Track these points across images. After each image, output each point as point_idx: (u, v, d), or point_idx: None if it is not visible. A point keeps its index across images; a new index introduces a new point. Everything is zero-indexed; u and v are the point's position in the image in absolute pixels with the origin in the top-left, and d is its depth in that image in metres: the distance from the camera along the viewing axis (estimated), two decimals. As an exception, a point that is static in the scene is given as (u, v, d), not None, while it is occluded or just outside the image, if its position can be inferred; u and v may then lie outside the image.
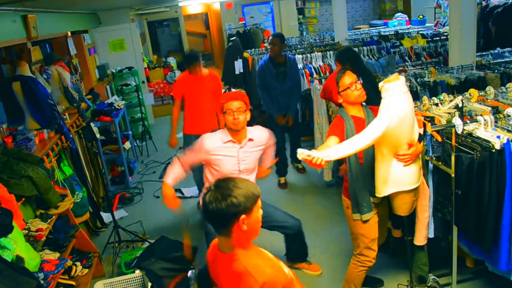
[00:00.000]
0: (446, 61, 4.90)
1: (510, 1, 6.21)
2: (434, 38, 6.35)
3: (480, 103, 2.74)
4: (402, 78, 2.12)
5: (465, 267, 2.85)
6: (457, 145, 2.40)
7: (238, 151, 2.72)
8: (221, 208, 1.48)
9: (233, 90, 5.84)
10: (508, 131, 2.35)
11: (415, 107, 2.80)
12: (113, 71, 7.28)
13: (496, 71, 3.94)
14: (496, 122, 2.40)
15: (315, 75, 5.38)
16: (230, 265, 1.57)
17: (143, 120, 6.75)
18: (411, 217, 2.63)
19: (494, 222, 2.27)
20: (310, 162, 2.00)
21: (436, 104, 2.73)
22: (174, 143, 4.40)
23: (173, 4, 9.14)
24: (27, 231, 2.76)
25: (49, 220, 3.00)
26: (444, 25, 7.45)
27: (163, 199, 2.75)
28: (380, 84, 2.13)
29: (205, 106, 4.16)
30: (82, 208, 3.78)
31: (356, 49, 5.95)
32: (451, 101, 2.68)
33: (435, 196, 2.65)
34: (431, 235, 2.73)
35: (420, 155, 2.31)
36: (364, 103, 2.51)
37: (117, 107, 5.54)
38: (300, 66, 5.58)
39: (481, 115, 2.42)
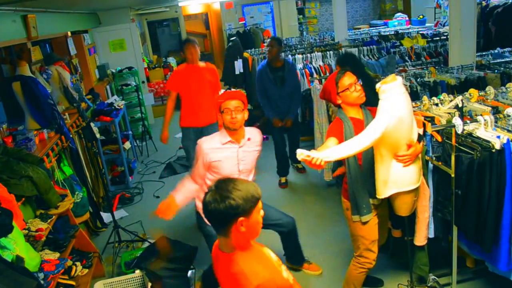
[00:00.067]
0: (446, 61, 4.90)
1: (510, 1, 6.21)
2: (434, 38, 6.35)
3: (480, 103, 2.74)
4: (399, 79, 2.12)
5: (465, 267, 2.85)
6: (457, 145, 2.40)
7: (237, 151, 2.71)
8: (219, 209, 1.49)
9: (232, 90, 5.83)
10: (508, 131, 2.35)
11: (415, 107, 2.81)
12: (113, 71, 7.28)
13: (496, 71, 3.94)
14: (496, 122, 2.40)
15: (315, 75, 5.38)
16: (229, 265, 1.58)
17: (143, 120, 6.75)
18: (411, 217, 2.63)
19: (494, 222, 2.27)
20: (309, 163, 2.00)
21: (436, 104, 2.73)
22: (165, 137, 4.29)
23: (173, 4, 9.14)
24: (27, 231, 2.76)
25: (49, 220, 3.00)
26: (444, 25, 7.44)
27: (157, 209, 2.73)
28: (378, 86, 2.13)
29: (204, 98, 4.08)
30: (82, 208, 3.78)
31: (356, 49, 5.97)
32: (451, 101, 2.68)
33: (435, 196, 2.65)
34: (431, 235, 2.73)
35: (420, 155, 2.31)
36: (362, 105, 2.50)
37: (117, 107, 5.54)
38: (300, 66, 5.58)
39: (481, 115, 2.42)
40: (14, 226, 2.42)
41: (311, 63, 5.77)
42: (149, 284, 3.01)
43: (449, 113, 2.59)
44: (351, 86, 2.40)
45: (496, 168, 2.21)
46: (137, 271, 3.14)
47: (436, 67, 4.32)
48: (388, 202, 2.54)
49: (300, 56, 5.80)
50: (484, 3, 6.52)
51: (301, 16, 10.85)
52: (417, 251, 2.80)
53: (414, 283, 2.82)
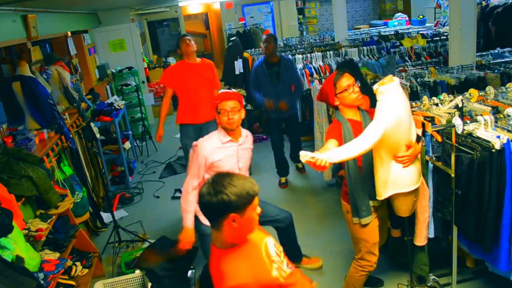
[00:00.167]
0: (446, 61, 4.90)
1: (510, 1, 6.22)
2: (434, 38, 6.35)
3: (480, 103, 2.74)
4: (396, 80, 2.12)
5: (465, 267, 2.85)
6: (457, 145, 2.40)
7: (237, 149, 2.75)
8: (212, 202, 1.49)
9: (233, 90, 5.82)
10: (508, 131, 2.35)
11: (415, 107, 2.81)
12: (113, 71, 7.28)
13: (496, 71, 3.94)
14: (496, 122, 2.40)
15: (315, 75, 5.38)
16: (216, 261, 1.60)
17: (143, 120, 6.76)
18: (411, 218, 2.63)
19: (494, 222, 2.27)
20: (313, 164, 1.97)
21: (436, 104, 2.73)
22: (160, 135, 4.23)
23: (173, 4, 9.14)
24: (27, 231, 2.75)
25: (49, 220, 3.00)
26: (444, 25, 7.45)
27: (181, 243, 2.75)
28: (375, 87, 2.13)
29: (202, 95, 4.03)
30: (82, 208, 3.78)
31: (356, 49, 5.98)
32: (451, 101, 2.68)
33: (435, 196, 2.65)
34: (431, 235, 2.73)
35: (419, 155, 2.31)
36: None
37: (117, 107, 5.54)
38: (300, 66, 5.58)
39: (481, 115, 2.42)
40: (14, 226, 2.42)
41: (311, 63, 5.77)
42: (149, 284, 3.01)
43: (449, 113, 2.59)
44: (349, 87, 2.40)
45: (496, 168, 2.21)
46: (137, 271, 3.14)
47: (436, 67, 4.32)
48: (387, 202, 2.54)
49: (300, 56, 5.80)
50: (484, 3, 6.52)
51: (301, 16, 10.85)
52: (417, 251, 2.80)
53: (414, 283, 2.82)
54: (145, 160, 6.26)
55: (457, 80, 3.83)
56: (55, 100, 4.23)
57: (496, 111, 2.61)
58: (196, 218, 2.79)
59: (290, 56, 5.68)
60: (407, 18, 9.10)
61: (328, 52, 5.89)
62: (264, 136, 6.29)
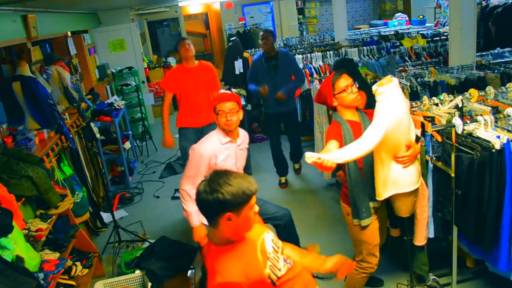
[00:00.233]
0: (446, 61, 4.90)
1: (510, 1, 6.22)
2: (434, 38, 6.35)
3: (480, 103, 2.74)
4: (395, 81, 2.12)
5: (465, 267, 2.84)
6: (457, 145, 2.40)
7: (235, 149, 2.77)
8: (208, 200, 1.50)
9: (233, 90, 5.82)
10: (508, 131, 2.35)
11: (415, 107, 2.81)
12: (113, 71, 7.28)
13: (496, 71, 3.94)
14: (496, 122, 2.40)
15: (315, 75, 5.38)
16: (211, 256, 1.61)
17: (143, 120, 6.75)
18: (411, 218, 2.62)
19: (494, 222, 2.27)
20: (320, 165, 1.95)
21: (436, 104, 2.73)
22: (169, 141, 4.13)
23: (173, 4, 9.14)
24: (27, 231, 2.75)
25: (49, 220, 3.00)
26: (444, 25, 7.44)
27: (195, 236, 2.77)
28: (374, 88, 2.13)
29: (201, 99, 4.01)
30: (82, 208, 3.78)
31: (356, 49, 5.97)
32: (451, 101, 2.68)
33: (435, 196, 2.65)
34: (431, 235, 2.73)
35: (419, 155, 2.31)
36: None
37: (117, 107, 5.54)
38: (300, 66, 5.58)
39: (481, 115, 2.42)
40: (14, 226, 2.42)
41: (311, 63, 5.76)
42: (149, 284, 3.01)
43: (449, 113, 2.59)
44: (347, 88, 2.39)
45: (496, 168, 2.21)
46: (137, 271, 3.14)
47: (436, 67, 4.32)
48: (387, 203, 2.53)
49: (300, 56, 5.79)
50: (484, 3, 6.52)
51: (301, 16, 10.85)
52: (416, 251, 2.80)
53: (414, 283, 2.82)
54: (145, 160, 6.26)
55: (457, 80, 3.82)
56: (55, 100, 4.23)
57: (496, 111, 2.61)
58: None
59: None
60: (407, 18, 9.10)
61: (328, 52, 5.89)
62: (264, 136, 6.29)
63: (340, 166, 3.10)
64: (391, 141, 2.14)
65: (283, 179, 4.87)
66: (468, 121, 2.42)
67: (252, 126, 6.46)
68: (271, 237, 1.73)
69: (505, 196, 2.21)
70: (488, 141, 2.23)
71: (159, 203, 4.86)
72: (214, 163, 2.69)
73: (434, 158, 2.62)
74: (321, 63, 5.72)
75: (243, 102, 5.30)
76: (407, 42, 6.25)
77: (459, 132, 2.35)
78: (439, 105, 2.72)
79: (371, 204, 2.43)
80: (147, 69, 8.51)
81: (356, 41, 6.84)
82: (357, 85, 2.46)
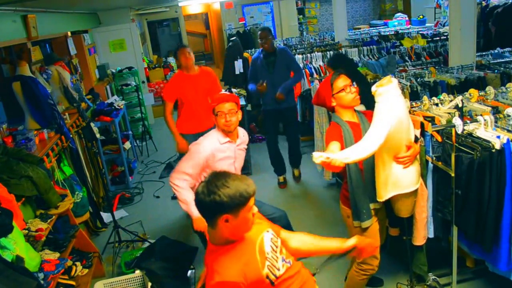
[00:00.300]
0: (446, 61, 4.90)
1: (510, 1, 6.22)
2: (434, 38, 6.35)
3: (480, 103, 2.74)
4: (395, 81, 2.11)
5: (465, 267, 2.84)
6: (457, 145, 2.40)
7: (234, 150, 2.77)
8: (205, 202, 1.52)
9: (233, 90, 5.82)
10: (508, 131, 2.35)
11: (415, 107, 2.81)
12: (113, 71, 7.28)
13: (496, 71, 3.93)
14: (496, 122, 2.40)
15: (315, 75, 5.38)
16: (210, 257, 1.63)
17: (143, 120, 6.76)
18: (410, 218, 2.62)
19: (494, 222, 2.27)
20: (328, 165, 1.92)
21: (436, 104, 2.74)
22: (184, 145, 3.94)
23: (173, 4, 9.14)
24: (27, 231, 2.75)
25: (49, 220, 3.00)
26: (444, 25, 7.44)
27: (196, 225, 2.72)
28: (373, 89, 2.12)
29: (202, 105, 3.99)
30: (82, 208, 3.78)
31: (356, 49, 5.97)
32: (451, 101, 2.68)
33: (435, 196, 2.65)
34: (431, 235, 2.73)
35: (418, 155, 2.31)
36: (356, 109, 2.49)
37: (117, 107, 5.54)
38: (300, 66, 5.58)
39: (481, 115, 2.42)
40: (14, 226, 2.42)
41: (311, 63, 5.77)
42: (149, 284, 3.01)
43: (449, 113, 2.59)
44: (346, 88, 2.39)
45: (496, 168, 2.22)
46: (137, 271, 3.14)
47: (436, 67, 4.32)
48: (385, 203, 2.52)
49: (300, 56, 5.79)
50: (484, 3, 6.52)
51: (301, 16, 10.85)
52: (415, 251, 2.80)
53: (414, 283, 2.82)
54: (145, 160, 6.26)
55: (457, 80, 3.82)
56: (55, 100, 4.23)
57: (496, 111, 2.61)
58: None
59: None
60: (407, 18, 9.10)
61: (328, 52, 5.89)
62: (264, 137, 6.28)
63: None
64: (393, 141, 2.14)
65: (281, 178, 4.84)
66: (468, 121, 2.43)
67: (250, 126, 6.45)
68: (270, 236, 1.73)
69: (505, 196, 2.21)
70: (488, 141, 2.23)
71: (159, 203, 4.87)
72: (212, 162, 2.69)
73: (434, 158, 2.62)
74: (321, 63, 5.72)
75: (243, 102, 5.30)
76: (407, 42, 6.25)
77: (459, 132, 2.35)
78: (439, 105, 2.73)
79: (372, 206, 2.43)
80: (147, 69, 8.52)
81: (356, 41, 6.84)
82: (355, 86, 2.46)
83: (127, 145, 5.56)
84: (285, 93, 4.39)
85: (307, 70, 5.50)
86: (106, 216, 4.48)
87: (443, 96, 2.75)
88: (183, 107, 4.08)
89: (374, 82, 2.47)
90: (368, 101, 2.50)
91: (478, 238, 2.38)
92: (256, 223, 1.69)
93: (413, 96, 3.71)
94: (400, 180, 2.24)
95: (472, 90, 2.74)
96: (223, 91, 4.27)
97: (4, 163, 2.90)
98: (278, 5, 10.08)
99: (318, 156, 1.88)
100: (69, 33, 5.89)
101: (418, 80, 3.95)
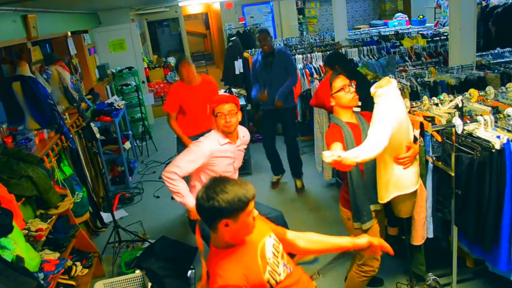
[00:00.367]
0: (446, 61, 4.90)
1: (510, 1, 6.21)
2: (434, 38, 6.35)
3: (480, 103, 2.74)
4: (394, 82, 2.11)
5: (465, 267, 2.85)
6: (457, 145, 2.40)
7: (234, 150, 2.77)
8: (205, 207, 1.53)
9: (233, 90, 5.81)
10: (508, 131, 2.35)
11: (415, 107, 2.81)
12: (113, 71, 7.29)
13: (496, 71, 3.93)
14: (496, 122, 2.40)
15: (315, 75, 5.38)
16: (212, 260, 1.64)
17: (143, 120, 6.76)
18: (409, 217, 2.62)
19: (494, 222, 2.27)
20: (339, 164, 1.90)
21: (436, 104, 2.74)
22: None
23: (173, 4, 9.15)
24: (27, 231, 2.76)
25: (49, 220, 3.00)
26: (444, 25, 7.44)
27: (192, 215, 2.67)
28: (372, 90, 2.12)
29: (202, 113, 3.95)
30: (82, 208, 3.78)
31: (356, 49, 5.97)
32: (451, 101, 2.68)
33: (435, 196, 2.65)
34: (430, 235, 2.73)
35: (418, 156, 2.31)
36: (355, 109, 2.49)
37: (117, 107, 5.54)
38: (300, 66, 5.58)
39: (481, 115, 2.43)
40: (14, 226, 2.42)
41: (311, 63, 5.76)
42: (149, 284, 3.01)
43: (449, 113, 2.59)
44: (345, 87, 2.40)
45: (496, 168, 2.22)
46: (137, 271, 3.14)
47: (436, 67, 4.32)
48: (385, 205, 2.52)
49: (300, 56, 5.79)
50: (484, 3, 6.52)
51: (301, 16, 10.84)
52: (414, 251, 2.80)
53: (414, 282, 2.82)
54: (145, 160, 6.26)
55: (457, 80, 3.82)
56: (55, 100, 4.23)
57: (496, 111, 2.61)
58: (193, 222, 2.79)
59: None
60: (407, 18, 9.10)
61: (328, 52, 5.88)
62: (260, 137, 6.26)
63: None
64: (394, 142, 2.14)
65: (274, 178, 4.83)
66: (468, 121, 2.43)
67: (250, 124, 6.44)
68: (272, 241, 1.74)
69: (505, 196, 2.21)
70: (488, 141, 2.23)
71: (159, 203, 4.87)
72: (208, 162, 2.69)
73: (434, 158, 2.62)
74: (321, 63, 5.71)
75: (243, 102, 5.30)
76: (407, 42, 6.25)
77: (459, 132, 2.35)
78: (439, 105, 2.73)
79: (372, 207, 2.42)
80: (147, 69, 8.52)
81: (356, 41, 6.83)
82: (354, 86, 2.46)
83: (127, 145, 5.57)
84: (284, 97, 4.38)
85: (307, 70, 5.50)
86: (106, 216, 4.48)
87: (443, 96, 2.75)
88: (185, 115, 4.06)
89: (374, 82, 2.47)
90: (367, 101, 2.50)
91: (478, 238, 2.39)
92: (258, 226, 1.69)
93: (413, 96, 3.71)
94: (401, 181, 2.24)
95: (472, 90, 2.74)
96: (222, 92, 4.27)
97: (4, 163, 2.90)
98: (278, 5, 10.08)
99: (329, 155, 1.86)
100: (69, 33, 5.89)
101: (418, 80, 3.95)
